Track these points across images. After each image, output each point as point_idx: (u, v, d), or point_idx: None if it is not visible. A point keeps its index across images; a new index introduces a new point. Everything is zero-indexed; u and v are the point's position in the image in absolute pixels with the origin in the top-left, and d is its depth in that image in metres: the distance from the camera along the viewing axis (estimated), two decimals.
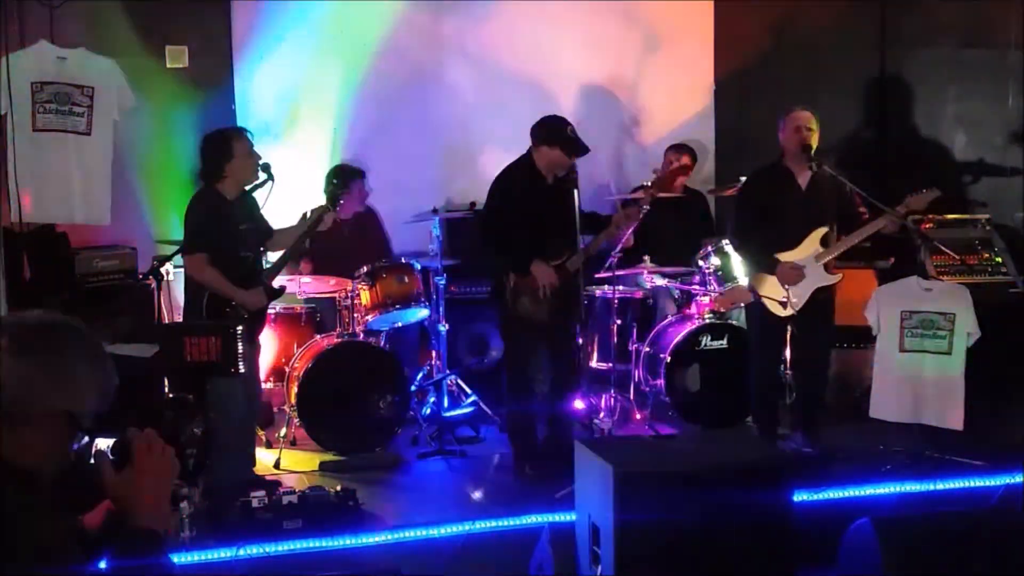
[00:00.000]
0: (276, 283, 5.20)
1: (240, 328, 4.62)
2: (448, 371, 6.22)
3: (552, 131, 5.21)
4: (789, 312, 5.33)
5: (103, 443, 1.96)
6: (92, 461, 1.92)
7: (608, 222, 5.41)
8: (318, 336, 6.01)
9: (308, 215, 5.34)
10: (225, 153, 4.87)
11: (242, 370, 4.65)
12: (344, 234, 6.43)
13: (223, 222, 4.86)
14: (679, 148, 6.96)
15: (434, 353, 6.25)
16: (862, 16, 7.71)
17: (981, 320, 5.21)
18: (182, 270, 5.12)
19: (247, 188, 5.04)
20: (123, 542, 1.85)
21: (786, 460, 4.49)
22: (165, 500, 1.93)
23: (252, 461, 5.20)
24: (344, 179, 6.33)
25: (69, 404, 1.87)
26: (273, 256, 5.31)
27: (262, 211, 5.13)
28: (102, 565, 1.91)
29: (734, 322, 6.22)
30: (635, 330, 6.28)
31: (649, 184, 5.62)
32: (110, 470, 1.90)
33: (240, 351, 4.59)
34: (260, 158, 4.98)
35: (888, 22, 7.69)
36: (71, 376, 1.88)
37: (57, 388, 1.86)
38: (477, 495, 5.01)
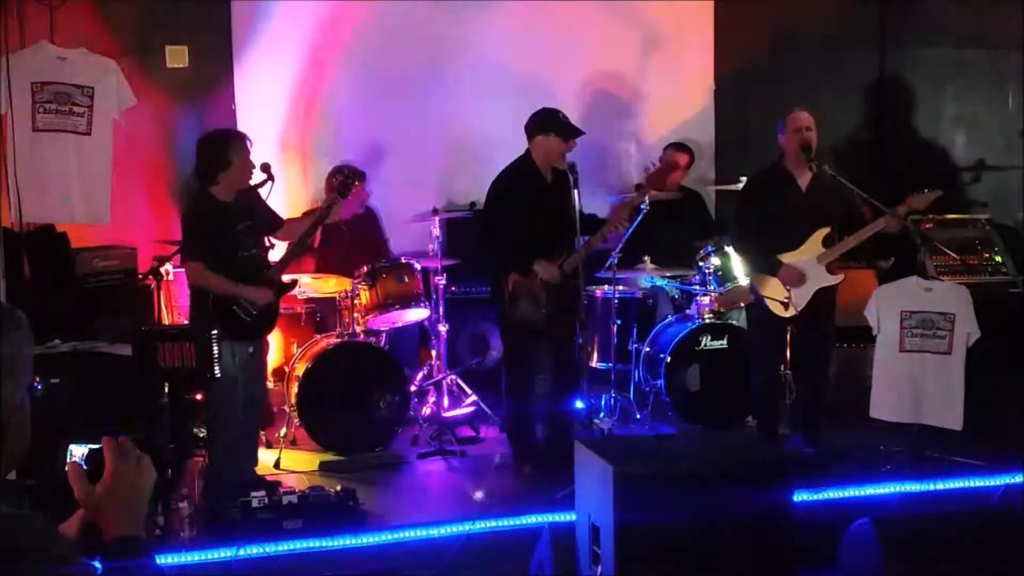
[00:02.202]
0: (286, 278, 5.18)
1: (215, 332, 4.61)
2: (448, 371, 6.22)
3: (544, 119, 5.25)
4: (791, 313, 5.32)
5: (78, 451, 1.93)
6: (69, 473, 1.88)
7: (604, 223, 5.41)
8: (318, 336, 6.01)
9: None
10: (221, 160, 4.82)
11: (218, 375, 4.63)
12: (344, 235, 6.43)
13: (218, 226, 4.83)
14: (677, 146, 6.96)
15: (434, 353, 6.25)
16: (862, 16, 7.70)
17: (981, 320, 5.21)
18: (183, 270, 5.12)
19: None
20: (102, 552, 1.83)
21: (786, 460, 4.49)
22: (140, 509, 1.90)
23: (254, 461, 5.20)
24: (347, 178, 6.36)
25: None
26: (279, 251, 5.31)
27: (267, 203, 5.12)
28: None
29: (734, 322, 6.22)
30: (635, 330, 6.28)
31: (643, 183, 5.62)
32: (82, 481, 1.87)
33: (216, 355, 4.58)
34: (254, 166, 4.96)
35: (888, 22, 7.69)
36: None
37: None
38: (477, 495, 5.01)
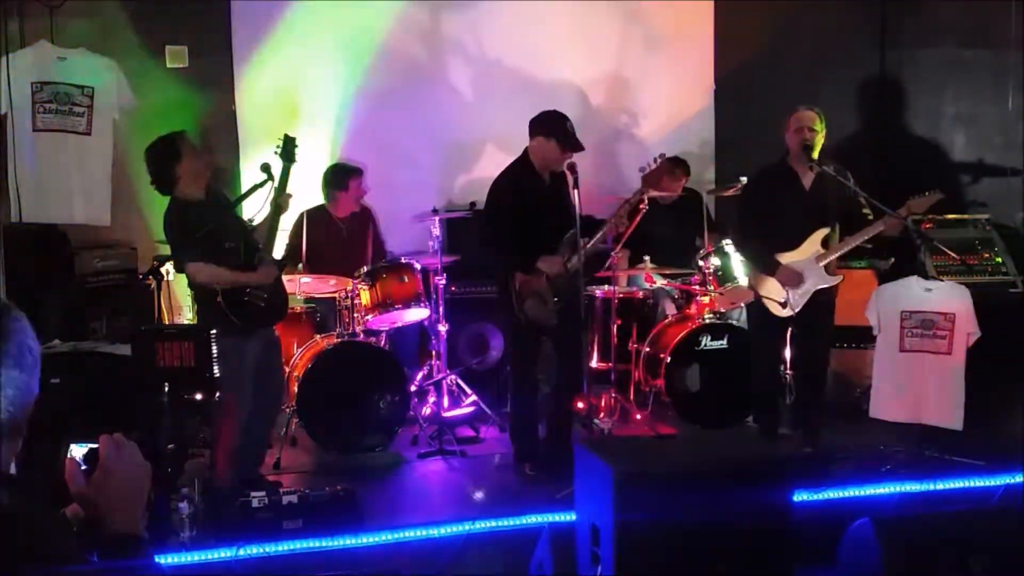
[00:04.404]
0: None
1: (215, 332, 4.59)
2: (448, 371, 6.22)
3: (551, 123, 5.21)
4: (788, 313, 5.33)
5: (78, 451, 1.93)
6: (66, 471, 1.88)
7: (603, 225, 5.40)
8: (318, 336, 6.01)
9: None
10: (172, 155, 4.79)
11: (218, 375, 4.61)
12: (342, 233, 6.43)
13: (199, 223, 4.79)
14: (674, 163, 6.84)
15: (434, 353, 6.25)
16: (862, 16, 7.71)
17: (981, 320, 5.22)
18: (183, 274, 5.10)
19: (250, 187, 5.03)
20: (102, 550, 1.82)
21: (786, 460, 4.49)
22: (136, 505, 1.89)
23: (259, 460, 5.19)
24: (339, 177, 6.37)
25: None
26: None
27: (254, 207, 5.09)
28: None
29: (734, 322, 6.23)
30: (635, 330, 6.28)
31: (641, 183, 5.62)
32: (77, 476, 1.87)
33: (216, 355, 4.56)
34: (208, 155, 4.94)
35: (888, 22, 7.69)
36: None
37: None
38: (477, 495, 5.01)
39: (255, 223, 5.09)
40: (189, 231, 4.78)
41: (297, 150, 5.11)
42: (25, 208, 5.85)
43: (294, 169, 5.08)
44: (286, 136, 5.10)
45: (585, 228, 5.14)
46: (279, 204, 5.02)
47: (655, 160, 6.19)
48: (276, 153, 5.06)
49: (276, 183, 5.01)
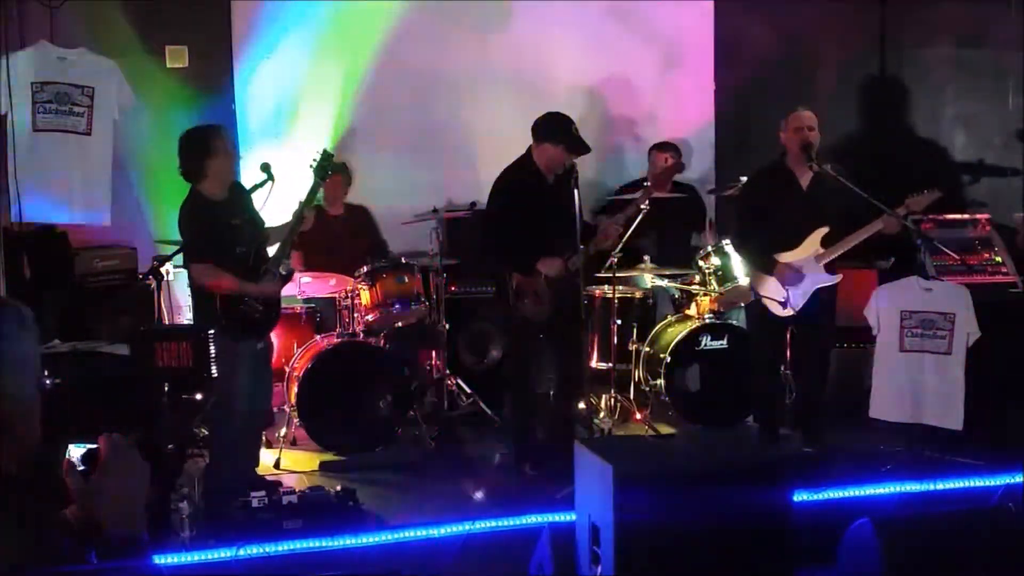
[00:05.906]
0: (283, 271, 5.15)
1: (212, 332, 4.59)
2: (448, 371, 6.22)
3: (556, 128, 5.18)
4: (788, 313, 5.33)
5: (76, 452, 1.94)
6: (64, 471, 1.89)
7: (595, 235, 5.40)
8: (318, 336, 6.01)
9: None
10: (205, 150, 4.79)
11: (215, 375, 4.61)
12: (334, 230, 6.44)
13: (214, 224, 4.80)
14: (664, 147, 6.93)
15: (434, 353, 6.25)
16: (862, 16, 7.71)
17: (981, 320, 5.22)
18: (182, 271, 5.10)
19: (249, 187, 5.03)
20: (101, 550, 1.83)
21: (786, 460, 4.49)
22: (134, 504, 1.90)
23: (255, 461, 5.19)
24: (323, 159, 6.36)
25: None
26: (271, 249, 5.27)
27: (257, 208, 5.08)
28: None
29: (734, 322, 6.22)
30: (635, 330, 6.28)
31: (647, 184, 5.62)
32: (76, 476, 1.88)
33: (213, 355, 4.56)
34: (239, 157, 4.93)
35: (888, 22, 7.69)
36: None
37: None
38: (477, 495, 5.01)
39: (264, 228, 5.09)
40: (202, 229, 4.78)
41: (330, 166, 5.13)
42: (25, 208, 5.85)
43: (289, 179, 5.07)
44: (325, 151, 5.10)
45: (587, 232, 5.15)
46: (302, 216, 4.99)
47: (666, 160, 6.19)
48: (311, 167, 5.05)
49: (304, 197, 5.00)
